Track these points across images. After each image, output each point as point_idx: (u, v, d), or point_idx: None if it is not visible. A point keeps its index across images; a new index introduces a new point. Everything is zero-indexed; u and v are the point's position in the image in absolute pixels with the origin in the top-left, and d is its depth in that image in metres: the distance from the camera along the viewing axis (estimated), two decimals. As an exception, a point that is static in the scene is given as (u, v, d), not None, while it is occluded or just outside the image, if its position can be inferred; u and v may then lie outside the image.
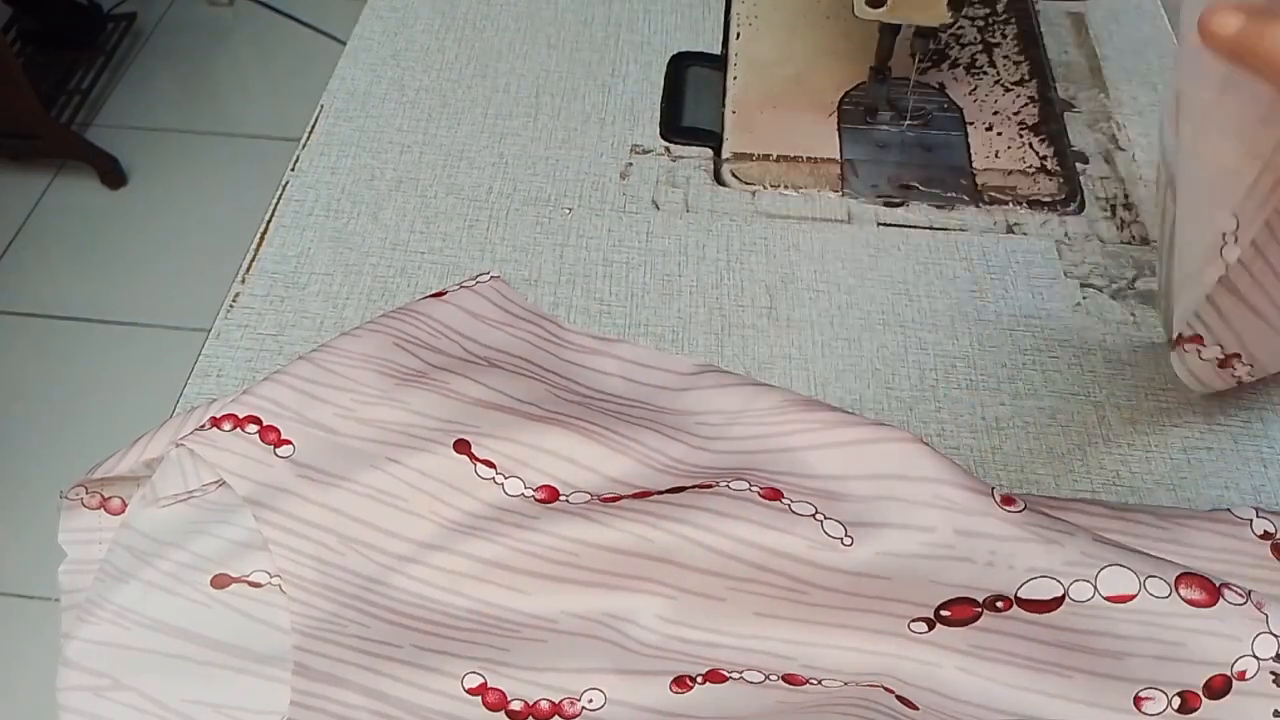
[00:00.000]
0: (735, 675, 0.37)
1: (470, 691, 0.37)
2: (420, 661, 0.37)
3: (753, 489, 0.39)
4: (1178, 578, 0.35)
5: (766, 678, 0.37)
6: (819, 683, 0.37)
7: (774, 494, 0.38)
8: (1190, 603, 0.34)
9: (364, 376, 0.43)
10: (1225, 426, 0.47)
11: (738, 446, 0.41)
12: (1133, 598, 0.35)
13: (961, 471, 0.38)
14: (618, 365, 0.47)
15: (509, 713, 0.36)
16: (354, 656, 0.38)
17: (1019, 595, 0.35)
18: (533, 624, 0.38)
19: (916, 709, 0.37)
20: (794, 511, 0.37)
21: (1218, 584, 0.35)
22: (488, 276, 0.50)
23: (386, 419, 0.42)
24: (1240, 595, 0.34)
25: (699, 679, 0.37)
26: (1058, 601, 0.35)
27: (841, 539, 0.36)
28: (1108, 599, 0.35)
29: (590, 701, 0.36)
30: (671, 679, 0.37)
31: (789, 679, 0.37)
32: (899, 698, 0.37)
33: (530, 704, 0.37)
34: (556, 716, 0.36)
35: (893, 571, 0.36)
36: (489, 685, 0.37)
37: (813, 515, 0.37)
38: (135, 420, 1.33)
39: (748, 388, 0.43)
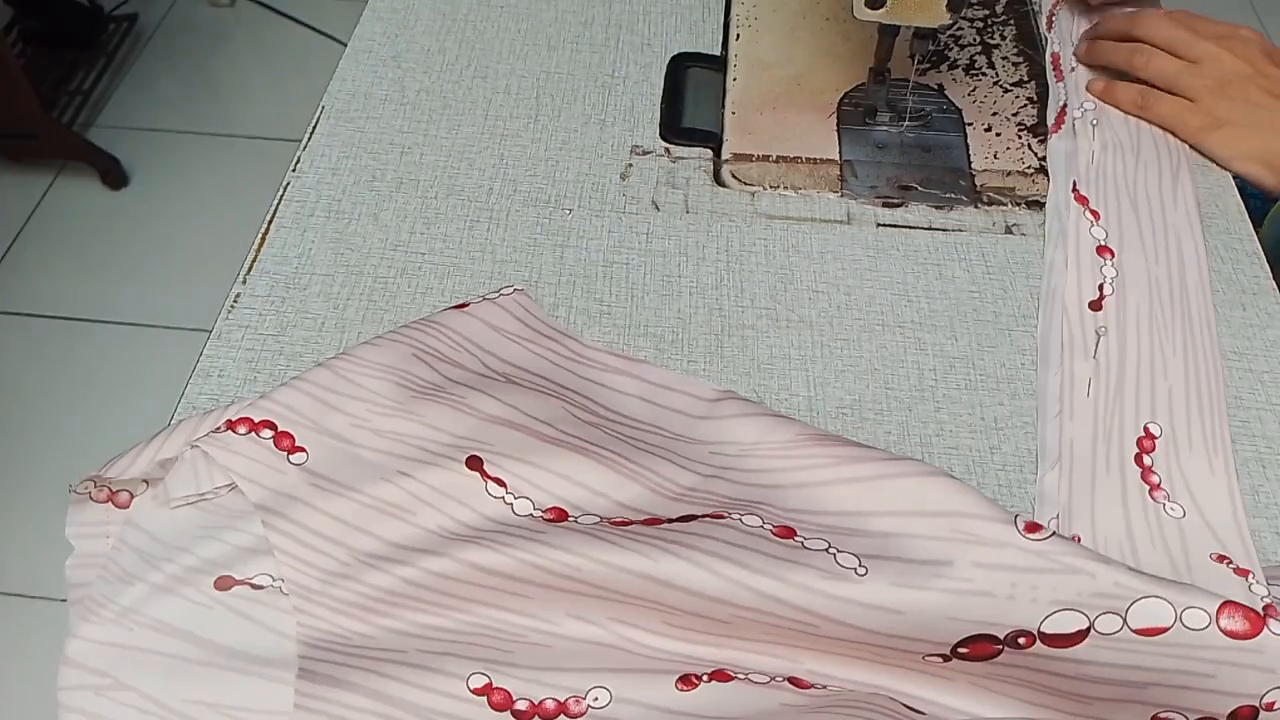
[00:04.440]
0: (741, 675, 0.37)
1: (475, 692, 0.37)
2: (425, 663, 0.37)
3: (765, 526, 0.38)
4: (1220, 607, 0.34)
5: (772, 679, 0.37)
6: (824, 686, 0.37)
7: (787, 532, 0.38)
8: (1229, 634, 0.34)
9: (381, 387, 0.43)
10: (1223, 427, 0.47)
11: (752, 480, 0.41)
12: (1166, 630, 0.34)
13: (982, 501, 0.37)
14: (639, 386, 0.46)
15: (514, 713, 0.37)
16: (358, 661, 0.38)
17: (1042, 630, 0.35)
18: (537, 629, 0.38)
19: (923, 714, 0.37)
20: (807, 547, 0.37)
21: (1263, 612, 0.34)
22: (510, 289, 0.50)
23: (400, 431, 0.42)
24: None
25: (705, 677, 0.37)
26: (1082, 635, 0.34)
27: (855, 569, 0.36)
28: (1137, 632, 0.34)
29: (595, 700, 0.37)
30: (677, 677, 0.37)
31: (794, 681, 0.37)
32: (906, 705, 0.37)
33: (536, 703, 0.37)
34: (562, 715, 0.36)
35: (907, 606, 0.35)
36: (494, 685, 0.37)
37: (825, 549, 0.37)
38: (135, 420, 1.33)
39: (765, 419, 0.43)
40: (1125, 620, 0.34)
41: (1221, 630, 0.34)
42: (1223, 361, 0.48)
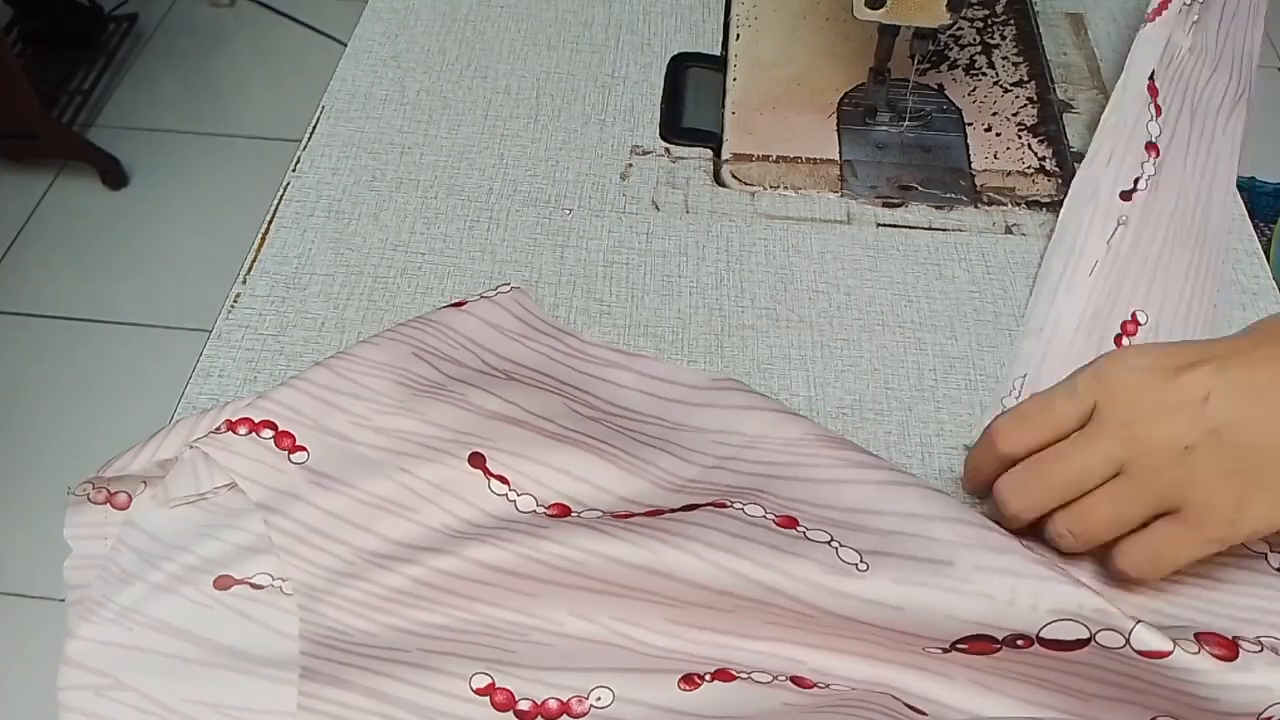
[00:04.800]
0: (743, 675, 0.37)
1: (478, 692, 0.37)
2: (427, 663, 0.37)
3: (768, 515, 0.38)
4: (1197, 635, 0.34)
5: (774, 678, 0.37)
6: (826, 686, 0.37)
7: (790, 522, 0.38)
8: (1219, 658, 0.34)
9: (381, 385, 0.43)
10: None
11: (755, 470, 0.41)
12: (1168, 654, 0.34)
13: (987, 520, 0.38)
14: (636, 379, 0.46)
15: (517, 713, 0.37)
16: (360, 660, 0.38)
17: (1041, 635, 0.35)
18: (540, 628, 0.38)
19: (925, 714, 0.37)
20: (809, 539, 0.37)
21: (1231, 637, 0.34)
22: (508, 287, 0.50)
23: (402, 429, 0.42)
24: (1253, 645, 0.34)
25: (707, 677, 0.37)
26: (1083, 643, 0.34)
27: (856, 565, 0.36)
28: (1140, 653, 0.34)
29: (598, 700, 0.37)
30: (680, 677, 0.37)
31: (797, 681, 0.37)
32: (907, 704, 0.37)
33: (538, 703, 0.37)
34: (565, 715, 0.36)
35: (908, 602, 0.35)
36: (496, 685, 0.37)
37: (828, 542, 0.37)
38: (135, 420, 1.33)
39: (770, 414, 0.43)
40: (1129, 640, 0.34)
41: (1211, 655, 0.34)
42: (1225, 289, 0.50)
